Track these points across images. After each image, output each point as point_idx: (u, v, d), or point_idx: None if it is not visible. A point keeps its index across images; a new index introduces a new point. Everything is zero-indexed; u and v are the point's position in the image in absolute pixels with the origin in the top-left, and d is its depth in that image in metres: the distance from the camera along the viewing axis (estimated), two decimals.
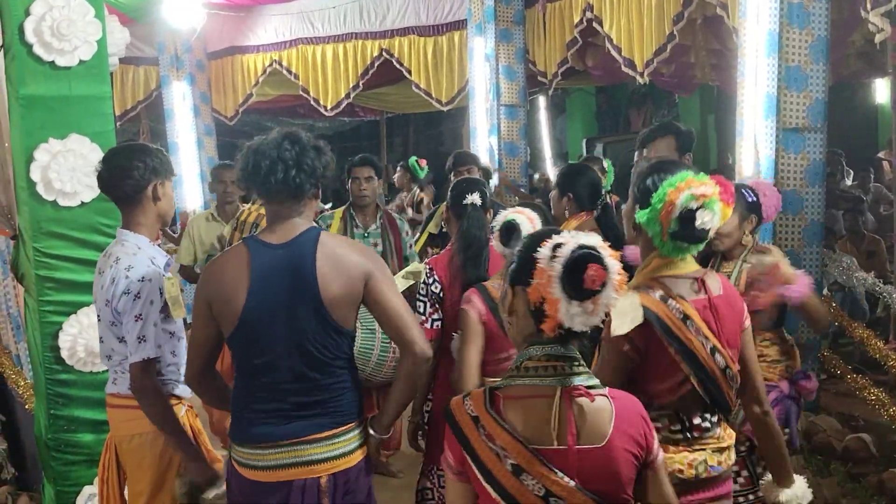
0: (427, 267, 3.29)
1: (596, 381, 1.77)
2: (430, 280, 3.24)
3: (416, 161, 7.15)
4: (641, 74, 5.89)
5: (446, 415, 1.76)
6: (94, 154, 3.33)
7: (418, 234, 5.52)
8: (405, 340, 2.39)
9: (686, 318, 2.15)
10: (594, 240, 1.71)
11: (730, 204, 2.21)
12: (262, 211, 4.21)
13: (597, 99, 13.11)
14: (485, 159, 6.72)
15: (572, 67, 7.10)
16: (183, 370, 2.75)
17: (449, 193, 3.40)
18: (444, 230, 5.37)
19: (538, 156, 11.26)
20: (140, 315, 2.58)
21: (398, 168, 7.68)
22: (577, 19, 6.29)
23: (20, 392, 4.20)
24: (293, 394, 2.34)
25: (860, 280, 4.77)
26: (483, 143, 6.90)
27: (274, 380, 2.34)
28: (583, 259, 1.65)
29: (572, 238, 1.70)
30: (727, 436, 2.27)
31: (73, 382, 3.39)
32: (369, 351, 3.23)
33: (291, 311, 2.31)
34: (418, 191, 7.24)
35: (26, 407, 4.09)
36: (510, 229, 2.98)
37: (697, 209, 2.11)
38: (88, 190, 3.34)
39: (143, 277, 2.59)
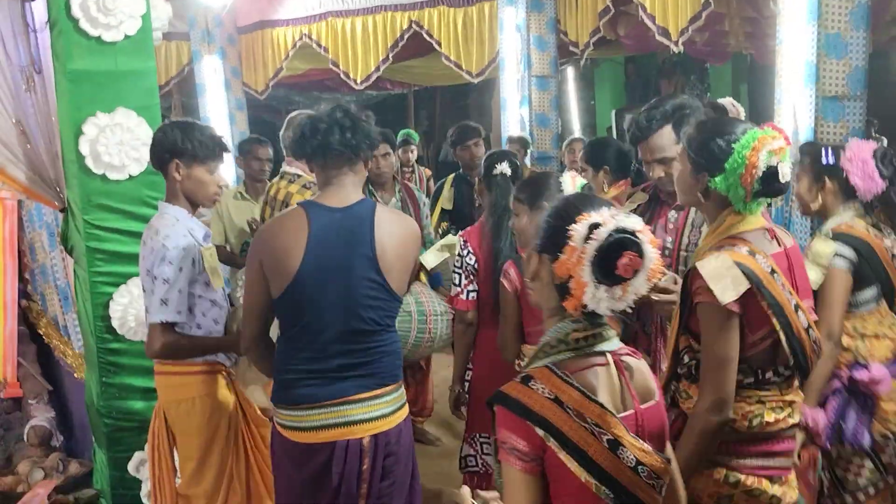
0: (461, 239, 3.33)
1: (622, 344, 1.74)
2: (465, 252, 3.29)
3: (409, 131, 7.15)
4: (676, 43, 5.82)
5: (510, 403, 1.62)
6: (141, 128, 3.39)
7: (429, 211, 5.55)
8: None
9: (773, 271, 2.09)
10: (634, 223, 1.62)
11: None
12: (291, 189, 4.24)
13: (625, 69, 12.98)
14: (516, 131, 6.72)
15: (604, 37, 7.04)
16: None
17: (482, 165, 3.44)
18: (458, 202, 5.40)
19: (566, 128, 11.22)
20: (168, 279, 2.67)
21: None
22: None
23: (68, 362, 4.30)
24: (338, 355, 2.41)
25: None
26: (514, 114, 6.88)
27: (320, 340, 2.41)
28: (619, 245, 1.58)
29: (612, 218, 1.61)
30: (794, 392, 2.20)
31: (123, 351, 3.48)
32: (407, 333, 3.30)
33: (347, 273, 2.38)
34: (422, 169, 7.22)
35: (75, 376, 4.19)
36: (537, 184, 2.88)
37: (778, 164, 2.06)
38: (136, 163, 3.40)
39: (176, 246, 2.69)
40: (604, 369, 1.66)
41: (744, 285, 2.01)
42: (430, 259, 4.10)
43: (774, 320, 2.05)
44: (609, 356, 1.68)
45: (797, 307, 2.10)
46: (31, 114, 3.58)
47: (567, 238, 1.60)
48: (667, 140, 2.63)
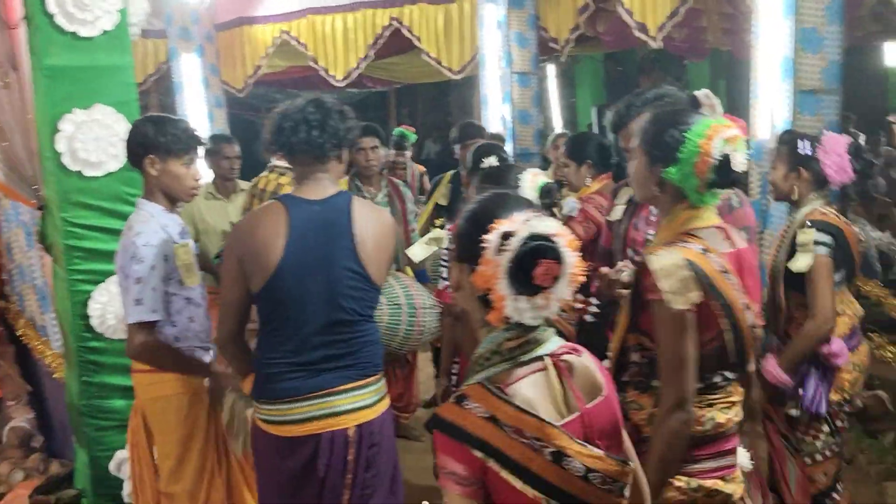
0: (449, 233, 3.34)
1: (561, 341, 1.64)
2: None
3: (403, 130, 7.09)
4: (654, 39, 5.86)
5: (445, 427, 1.53)
6: (119, 124, 3.37)
7: (423, 206, 5.54)
8: None
9: (724, 270, 2.05)
10: (550, 226, 1.53)
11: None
12: (282, 181, 4.24)
13: (605, 66, 13.02)
14: (498, 128, 6.72)
15: (584, 34, 7.06)
16: (202, 336, 2.83)
17: (470, 158, 3.44)
18: (454, 199, 5.40)
19: (548, 125, 11.24)
20: (140, 278, 2.63)
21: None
22: None
23: (47, 362, 4.27)
24: (321, 347, 2.41)
25: (874, 238, 4.78)
26: (495, 111, 6.88)
27: (303, 332, 2.41)
28: (534, 253, 1.48)
29: (524, 224, 1.51)
30: (736, 391, 2.19)
31: (103, 350, 3.46)
32: (397, 325, 3.30)
33: (328, 265, 2.38)
34: (416, 166, 7.21)
35: (54, 376, 4.16)
36: (496, 178, 2.92)
37: (732, 153, 2.03)
38: (114, 160, 3.38)
39: (147, 243, 2.65)
40: (542, 375, 1.57)
41: (694, 293, 1.97)
42: (418, 252, 4.11)
43: (724, 321, 2.03)
44: (547, 359, 1.58)
45: (746, 305, 2.08)
46: (7, 111, 3.56)
47: (482, 248, 1.52)
48: None
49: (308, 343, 2.41)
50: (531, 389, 1.55)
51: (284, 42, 8.13)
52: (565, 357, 1.61)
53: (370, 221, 2.47)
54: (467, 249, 1.59)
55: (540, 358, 1.58)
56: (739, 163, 2.05)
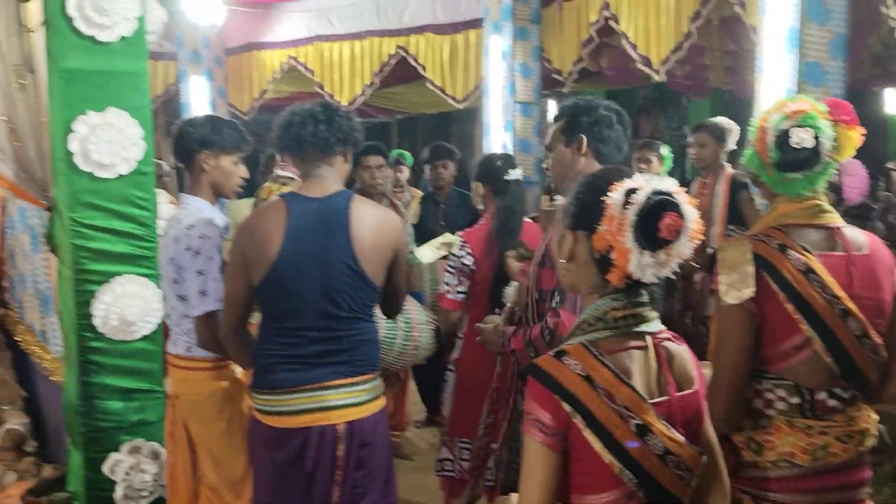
0: (460, 240, 3.38)
1: (664, 327, 1.66)
2: (462, 253, 3.33)
3: (402, 151, 7.28)
4: (658, 73, 5.95)
5: (541, 376, 1.57)
6: (132, 128, 3.42)
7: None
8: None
9: (810, 271, 1.90)
10: (670, 184, 1.57)
11: (850, 125, 1.96)
12: (284, 190, 4.28)
13: None
14: None
15: (586, 69, 7.17)
16: None
17: (480, 169, 3.49)
18: (424, 218, 5.44)
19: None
20: (201, 270, 2.70)
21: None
22: (593, 18, 6.36)
23: (45, 366, 4.27)
24: (317, 341, 2.46)
25: None
26: (497, 139, 6.96)
27: (300, 326, 2.46)
28: (660, 206, 1.51)
29: (646, 182, 1.55)
30: (862, 417, 1.99)
31: (104, 350, 3.46)
32: (392, 340, 3.33)
33: (324, 260, 2.43)
34: (414, 190, 7.27)
35: (51, 379, 4.16)
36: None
37: (791, 128, 1.92)
38: (125, 163, 3.42)
39: (203, 235, 2.73)
40: (641, 352, 1.60)
41: (749, 290, 1.89)
42: (427, 254, 4.15)
43: (805, 326, 1.90)
44: (649, 339, 1.62)
45: (846, 313, 1.90)
46: (21, 113, 3.60)
47: (602, 209, 1.55)
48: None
49: (304, 337, 2.46)
50: (629, 361, 1.58)
51: (292, 67, 8.26)
52: (666, 342, 1.64)
53: (370, 219, 2.50)
54: (584, 215, 1.61)
55: (642, 336, 1.62)
56: (801, 138, 1.92)
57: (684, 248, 1.56)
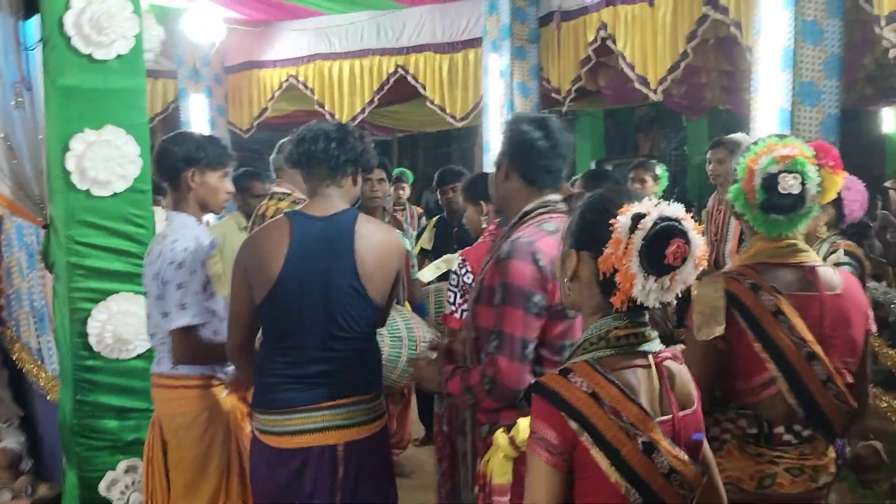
0: (460, 258, 3.37)
1: (664, 347, 1.67)
2: (463, 271, 3.32)
3: (403, 169, 7.29)
4: (655, 92, 5.97)
5: (546, 393, 1.56)
6: (129, 146, 3.43)
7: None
8: None
9: (778, 312, 1.94)
10: (677, 210, 1.57)
11: (835, 170, 2.00)
12: (281, 205, 4.27)
13: (605, 123, 13.24)
14: None
15: (584, 89, 7.20)
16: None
17: (483, 187, 3.50)
18: (438, 242, 5.45)
19: None
20: (182, 283, 2.69)
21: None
22: (591, 38, 6.40)
23: (41, 385, 4.26)
24: (317, 361, 2.44)
25: (869, 288, 4.81)
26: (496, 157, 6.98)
27: (301, 345, 2.44)
28: (667, 233, 1.52)
29: (654, 207, 1.56)
30: (818, 455, 2.02)
31: (99, 369, 3.46)
32: (397, 358, 3.30)
33: (326, 280, 2.41)
34: (413, 207, 7.28)
35: (48, 398, 4.15)
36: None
37: (780, 173, 1.95)
38: (121, 180, 3.43)
39: (186, 248, 2.73)
40: (644, 371, 1.60)
41: (720, 328, 1.91)
42: (429, 274, 4.15)
43: (770, 365, 1.94)
44: (650, 358, 1.62)
45: (812, 356, 1.94)
46: (18, 130, 3.60)
47: (609, 231, 1.55)
48: None
49: (305, 356, 2.44)
50: (634, 379, 1.58)
51: (291, 86, 8.30)
52: (667, 362, 1.64)
53: (374, 239, 2.49)
54: (590, 236, 1.62)
55: (644, 355, 1.61)
56: (788, 185, 1.95)
57: (689, 274, 1.56)
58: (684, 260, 1.54)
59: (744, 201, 2.00)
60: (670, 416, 1.59)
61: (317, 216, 2.48)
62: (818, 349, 1.95)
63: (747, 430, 1.99)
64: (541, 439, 1.55)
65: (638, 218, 1.54)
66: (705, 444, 1.70)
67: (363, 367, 2.51)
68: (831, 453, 2.06)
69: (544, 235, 2.17)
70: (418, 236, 5.82)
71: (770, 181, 1.96)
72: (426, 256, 5.56)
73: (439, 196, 5.58)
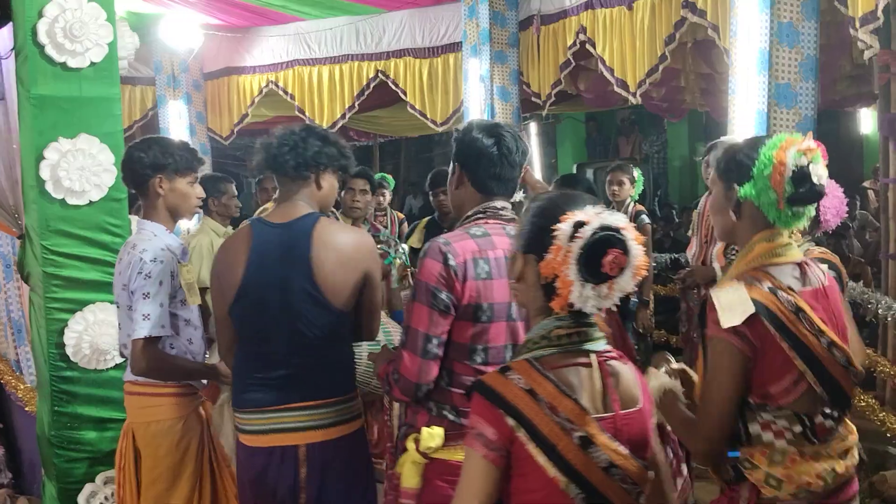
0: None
1: (609, 346, 1.70)
2: None
3: (384, 174, 7.31)
4: (634, 95, 5.99)
5: (485, 391, 1.60)
6: (103, 154, 3.40)
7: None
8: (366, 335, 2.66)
9: (798, 310, 1.96)
10: (619, 220, 1.60)
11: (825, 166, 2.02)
12: None
13: (586, 127, 13.30)
14: None
15: (565, 91, 7.22)
16: (199, 358, 2.86)
17: None
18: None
19: None
20: (148, 294, 2.66)
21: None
22: (570, 41, 6.41)
23: (20, 396, 4.22)
24: (280, 365, 2.46)
25: (847, 288, 4.84)
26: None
27: (267, 350, 2.47)
28: (604, 242, 1.56)
29: (596, 216, 1.59)
30: (849, 432, 2.06)
31: (77, 379, 3.43)
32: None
33: (284, 288, 2.43)
34: (395, 213, 7.27)
35: (26, 409, 4.11)
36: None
37: (809, 164, 1.96)
38: (96, 189, 3.40)
39: (154, 258, 2.69)
40: (586, 369, 1.64)
41: (744, 313, 1.92)
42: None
43: (798, 362, 1.94)
44: (593, 357, 1.65)
45: (832, 345, 1.97)
46: None
47: (552, 237, 1.59)
48: None
49: (269, 360, 2.47)
50: (573, 377, 1.62)
51: (271, 91, 8.25)
52: (611, 361, 1.68)
53: (333, 243, 2.46)
54: (535, 240, 1.66)
55: (586, 353, 1.65)
56: (820, 175, 1.98)
57: (627, 283, 1.60)
58: (622, 269, 1.58)
59: (771, 198, 1.99)
60: (612, 413, 1.62)
61: (276, 223, 2.50)
62: (834, 337, 1.99)
63: (794, 430, 1.98)
64: (478, 435, 1.58)
65: (578, 226, 1.58)
66: (655, 444, 1.73)
67: (329, 371, 2.50)
68: (854, 428, 2.11)
69: (465, 238, 2.20)
70: (406, 237, 5.81)
71: (801, 173, 1.97)
72: (416, 255, 5.55)
73: (431, 198, 5.57)
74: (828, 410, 2.00)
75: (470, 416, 1.62)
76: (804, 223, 2.07)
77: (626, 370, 1.70)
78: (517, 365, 1.62)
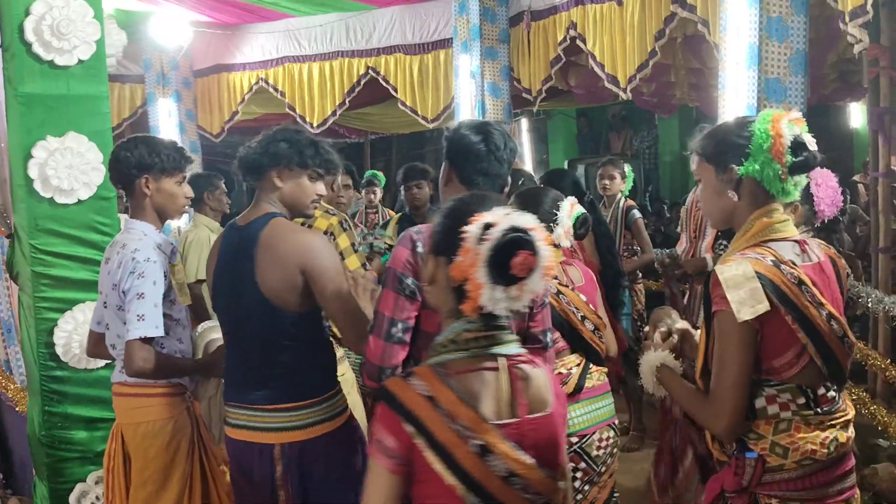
0: None
1: (522, 350, 1.68)
2: None
3: (374, 171, 7.31)
4: (624, 90, 5.99)
5: (386, 397, 1.59)
6: (92, 152, 3.39)
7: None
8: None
9: (801, 283, 1.99)
10: (528, 221, 1.59)
11: None
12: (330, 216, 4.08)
13: (577, 122, 13.29)
14: None
15: (556, 88, 7.21)
16: (188, 357, 2.85)
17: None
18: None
19: None
20: (142, 294, 2.64)
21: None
22: (560, 37, 6.40)
23: (10, 396, 4.20)
24: (249, 364, 2.49)
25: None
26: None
27: (236, 349, 2.54)
28: (513, 244, 1.54)
29: (504, 218, 1.57)
30: (849, 406, 2.11)
31: (67, 379, 3.41)
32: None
33: (235, 290, 2.47)
34: (385, 210, 7.24)
35: (16, 409, 4.09)
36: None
37: (801, 133, 1.99)
38: (85, 188, 3.38)
39: (147, 258, 2.67)
40: (492, 374, 1.61)
41: (762, 304, 1.93)
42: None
43: (801, 335, 1.97)
44: (502, 361, 1.62)
45: (831, 317, 2.01)
46: None
47: (461, 239, 1.57)
48: None
49: (241, 359, 2.51)
50: (477, 383, 1.59)
51: (262, 88, 8.23)
52: (522, 365, 1.64)
53: (271, 243, 2.42)
54: (445, 242, 1.63)
55: (494, 358, 1.62)
56: (811, 141, 2.01)
57: (537, 284, 1.58)
58: (531, 271, 1.55)
59: (773, 171, 2.01)
60: (517, 419, 1.59)
61: (240, 225, 2.52)
62: (833, 310, 2.02)
63: (798, 402, 2.02)
64: (379, 443, 1.57)
65: (486, 227, 1.55)
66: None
67: (300, 373, 2.46)
68: (850, 404, 2.14)
69: None
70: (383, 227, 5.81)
71: (797, 141, 2.00)
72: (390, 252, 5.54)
73: (403, 192, 5.54)
74: (828, 383, 2.04)
75: (372, 423, 1.60)
76: (797, 195, 2.09)
77: (538, 374, 1.67)
78: (421, 371, 1.60)
